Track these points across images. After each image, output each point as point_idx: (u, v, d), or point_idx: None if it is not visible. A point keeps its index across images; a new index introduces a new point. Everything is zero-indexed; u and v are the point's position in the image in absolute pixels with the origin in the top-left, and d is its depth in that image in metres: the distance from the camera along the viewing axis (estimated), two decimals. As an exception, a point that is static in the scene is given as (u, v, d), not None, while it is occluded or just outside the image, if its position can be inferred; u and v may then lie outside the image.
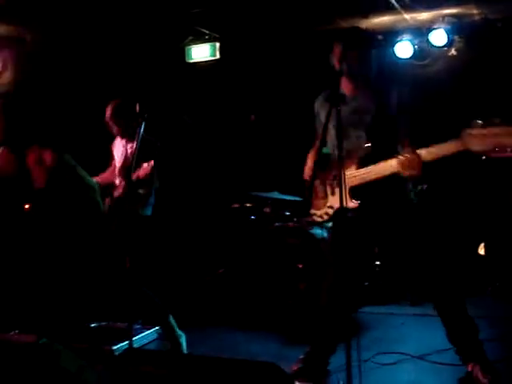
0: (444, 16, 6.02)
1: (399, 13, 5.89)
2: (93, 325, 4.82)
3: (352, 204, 3.36)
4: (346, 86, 3.52)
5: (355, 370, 2.86)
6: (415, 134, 3.25)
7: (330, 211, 3.51)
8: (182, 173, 6.63)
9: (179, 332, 4.32)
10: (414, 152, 3.16)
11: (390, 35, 6.23)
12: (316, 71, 6.00)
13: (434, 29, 6.11)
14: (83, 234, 4.08)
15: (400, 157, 3.21)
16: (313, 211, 3.64)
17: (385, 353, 4.07)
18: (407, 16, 6.00)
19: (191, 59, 6.85)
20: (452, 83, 6.11)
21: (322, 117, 3.55)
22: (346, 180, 3.33)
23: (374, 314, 5.26)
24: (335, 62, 3.44)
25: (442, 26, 6.06)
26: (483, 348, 3.44)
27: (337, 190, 3.32)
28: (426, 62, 6.42)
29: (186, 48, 6.84)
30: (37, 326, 3.97)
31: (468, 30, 6.13)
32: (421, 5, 5.72)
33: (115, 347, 4.25)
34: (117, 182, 4.75)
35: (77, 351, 3.06)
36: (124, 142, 4.72)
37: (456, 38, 6.19)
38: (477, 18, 6.03)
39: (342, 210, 2.98)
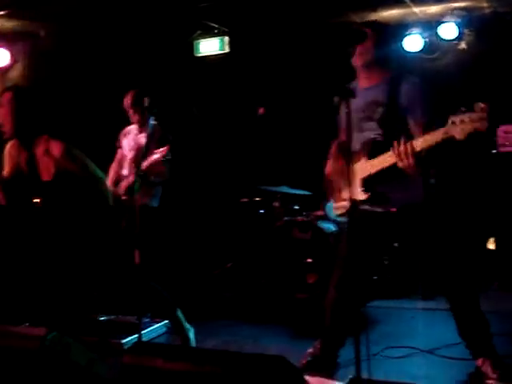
0: (453, 9, 5.98)
1: (408, 6, 5.86)
2: (102, 318, 4.85)
3: (363, 196, 3.35)
4: (362, 78, 3.52)
5: (364, 364, 2.85)
6: (427, 125, 3.20)
7: (346, 204, 3.51)
8: (191, 166, 6.63)
9: (188, 326, 4.32)
10: (404, 142, 3.13)
11: (399, 29, 6.19)
12: (326, 64, 6.03)
13: (444, 22, 6.08)
14: (92, 227, 4.07)
15: (394, 148, 3.18)
16: (334, 205, 3.65)
17: (394, 347, 4.06)
18: (416, 9, 5.97)
19: (199, 53, 6.86)
20: (461, 77, 6.06)
21: (343, 111, 3.55)
22: (358, 172, 3.33)
23: (383, 308, 5.25)
24: (352, 54, 3.44)
25: (452, 19, 6.03)
26: (493, 343, 3.43)
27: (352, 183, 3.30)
28: (435, 55, 6.38)
29: (195, 42, 6.84)
30: (47, 319, 3.97)
31: (478, 23, 6.08)
32: (430, -2, 5.70)
33: (124, 341, 4.28)
34: (125, 172, 4.75)
35: (87, 344, 3.07)
36: (139, 131, 4.71)
37: (466, 31, 6.15)
38: (487, 11, 5.99)
39: (352, 203, 2.97)
